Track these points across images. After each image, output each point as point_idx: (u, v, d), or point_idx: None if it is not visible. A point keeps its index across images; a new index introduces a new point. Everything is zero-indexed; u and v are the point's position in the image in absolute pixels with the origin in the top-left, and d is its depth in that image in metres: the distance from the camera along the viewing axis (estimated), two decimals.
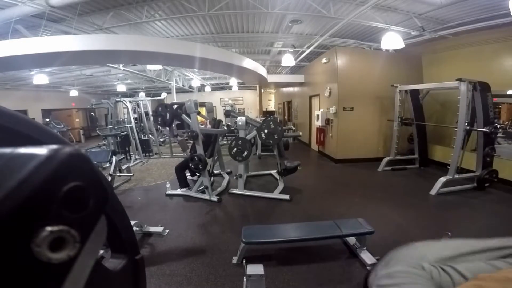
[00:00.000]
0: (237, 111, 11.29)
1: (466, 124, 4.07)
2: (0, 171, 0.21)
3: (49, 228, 0.21)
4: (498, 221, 3.18)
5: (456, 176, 4.17)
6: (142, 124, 8.51)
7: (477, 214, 3.41)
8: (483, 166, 4.20)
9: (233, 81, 12.23)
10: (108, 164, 4.73)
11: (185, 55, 4.50)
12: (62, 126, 9.61)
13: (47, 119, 10.73)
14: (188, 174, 4.77)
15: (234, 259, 2.39)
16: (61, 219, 0.22)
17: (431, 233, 2.63)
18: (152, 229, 2.96)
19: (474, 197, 3.95)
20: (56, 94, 12.19)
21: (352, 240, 2.49)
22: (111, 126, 7.19)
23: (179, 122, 4.38)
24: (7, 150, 0.23)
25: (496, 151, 4.28)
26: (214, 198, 3.92)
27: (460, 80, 4.03)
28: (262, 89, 12.63)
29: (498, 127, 4.73)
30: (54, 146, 0.23)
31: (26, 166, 0.21)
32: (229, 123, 7.51)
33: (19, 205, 0.20)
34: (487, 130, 4.04)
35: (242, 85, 14.11)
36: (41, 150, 0.23)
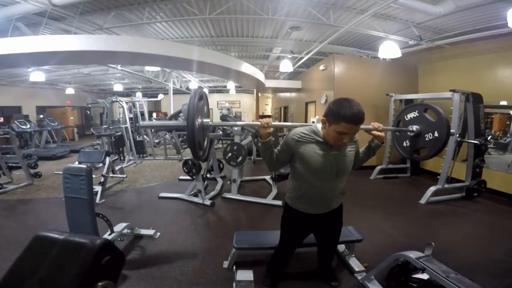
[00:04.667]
0: (234, 114, 11.32)
1: (457, 135, 4.14)
2: (68, 253, 0.45)
3: (100, 283, 0.44)
4: (484, 229, 3.24)
5: (446, 185, 4.24)
6: (137, 125, 8.45)
7: (464, 223, 3.47)
8: (473, 176, 4.29)
9: (231, 85, 12.28)
10: (101, 165, 4.70)
11: (184, 58, 4.53)
12: (56, 124, 9.52)
13: (41, 116, 10.62)
14: (185, 176, 4.74)
15: (225, 264, 2.39)
16: (104, 276, 0.45)
17: (418, 241, 2.66)
18: (143, 231, 2.94)
19: (462, 206, 4.02)
20: (51, 91, 12.06)
21: (341, 247, 2.52)
22: (105, 126, 7.14)
23: None
24: (75, 237, 0.48)
25: (486, 162, 4.37)
26: (207, 202, 3.92)
27: (453, 91, 4.11)
28: (259, 94, 12.68)
29: (489, 138, 4.82)
30: (93, 237, 0.47)
31: (82, 251, 0.44)
32: (225, 127, 7.52)
33: (86, 271, 0.43)
34: (477, 142, 4.12)
35: (239, 89, 14.15)
36: (86, 239, 0.46)
